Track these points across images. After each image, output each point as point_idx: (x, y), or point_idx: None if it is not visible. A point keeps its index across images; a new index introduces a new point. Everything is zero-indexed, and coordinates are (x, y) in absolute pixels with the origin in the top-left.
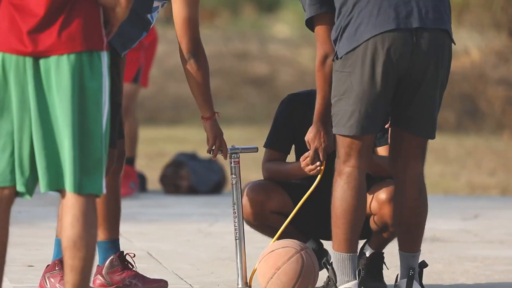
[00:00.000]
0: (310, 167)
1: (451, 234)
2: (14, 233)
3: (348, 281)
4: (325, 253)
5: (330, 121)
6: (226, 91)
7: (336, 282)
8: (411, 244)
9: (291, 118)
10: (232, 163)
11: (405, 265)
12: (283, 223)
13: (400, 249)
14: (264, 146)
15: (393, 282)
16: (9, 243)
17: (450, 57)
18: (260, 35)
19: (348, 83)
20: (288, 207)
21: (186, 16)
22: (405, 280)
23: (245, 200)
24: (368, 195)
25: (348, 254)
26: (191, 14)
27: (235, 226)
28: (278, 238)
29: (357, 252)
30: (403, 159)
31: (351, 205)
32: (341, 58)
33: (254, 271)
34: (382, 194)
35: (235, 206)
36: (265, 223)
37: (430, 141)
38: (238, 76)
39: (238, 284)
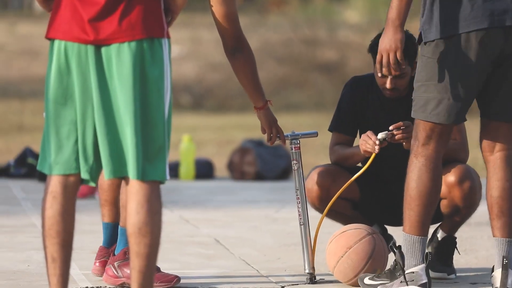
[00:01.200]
0: (366, 145)
1: None
2: (84, 220)
3: (415, 265)
4: (390, 238)
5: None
6: (295, 78)
7: (403, 266)
8: (504, 228)
9: (355, 101)
10: (293, 149)
11: (499, 252)
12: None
13: (494, 235)
14: (329, 130)
15: (463, 267)
16: (78, 231)
17: None
18: (329, 21)
19: (438, 70)
20: (353, 192)
21: (225, 13)
22: (500, 270)
23: (311, 184)
24: None
25: (419, 237)
26: (229, 10)
27: (299, 211)
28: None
29: (427, 235)
30: (492, 143)
31: (428, 187)
32: (429, 42)
33: (314, 252)
34: (451, 177)
35: (298, 192)
36: (331, 208)
37: None
38: (307, 62)
39: (305, 269)
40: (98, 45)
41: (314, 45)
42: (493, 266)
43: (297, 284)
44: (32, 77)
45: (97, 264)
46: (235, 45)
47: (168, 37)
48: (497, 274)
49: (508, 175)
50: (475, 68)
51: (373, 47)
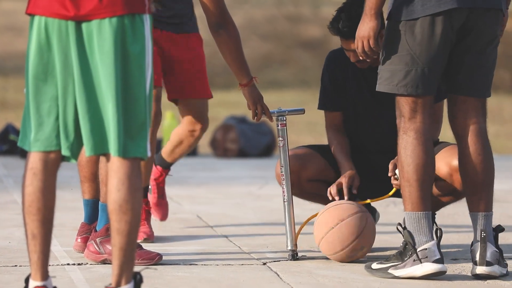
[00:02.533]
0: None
1: (503, 194)
2: (66, 197)
3: (426, 241)
4: (374, 211)
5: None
6: (279, 55)
7: (414, 244)
8: (480, 203)
9: (335, 75)
10: (279, 125)
11: (477, 226)
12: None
13: (470, 210)
14: (318, 108)
15: (445, 243)
16: (60, 208)
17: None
18: None
19: (404, 42)
20: (325, 173)
21: None
22: (478, 243)
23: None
24: (436, 159)
25: (424, 212)
26: None
27: (283, 188)
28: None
29: (430, 210)
30: (463, 118)
31: (424, 160)
32: (395, 20)
33: (299, 233)
34: (456, 161)
35: (283, 169)
36: (303, 190)
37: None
38: (291, 39)
39: (287, 246)
40: (78, 21)
41: (298, 22)
42: (472, 241)
43: (279, 261)
44: (16, 53)
45: (79, 240)
46: (219, 22)
47: (150, 13)
48: (476, 247)
49: (480, 148)
50: (441, 39)
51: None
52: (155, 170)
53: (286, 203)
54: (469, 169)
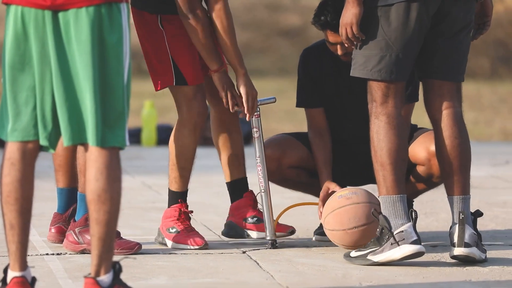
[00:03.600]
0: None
1: (480, 180)
2: (45, 187)
3: (402, 224)
4: None
5: None
6: (258, 43)
7: (390, 228)
8: (457, 186)
9: (310, 72)
10: (253, 116)
11: (454, 209)
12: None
13: (448, 194)
14: (297, 106)
15: (424, 230)
16: (40, 197)
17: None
18: None
19: (379, 27)
20: (305, 160)
21: None
22: (457, 225)
23: None
24: (414, 144)
25: (398, 195)
26: None
27: (259, 179)
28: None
29: (405, 193)
30: (439, 102)
31: (396, 144)
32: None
33: (277, 221)
34: (433, 146)
35: (259, 160)
36: (284, 177)
37: (463, 88)
38: (270, 28)
39: (266, 235)
40: (55, 10)
41: (277, 10)
42: (451, 225)
43: (259, 249)
44: None
45: (52, 230)
46: (189, 6)
47: (127, 2)
48: (454, 229)
49: (456, 132)
50: (416, 24)
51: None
52: None
53: (263, 193)
54: (446, 152)
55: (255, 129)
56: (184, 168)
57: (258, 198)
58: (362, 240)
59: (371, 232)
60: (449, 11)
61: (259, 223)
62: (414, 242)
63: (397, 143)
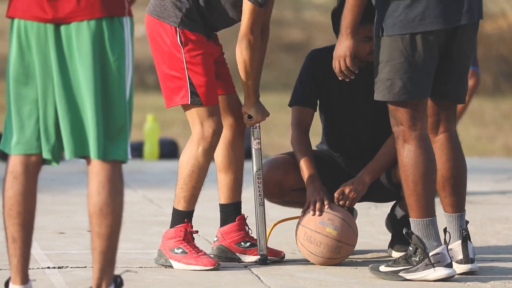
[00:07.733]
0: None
1: (483, 196)
2: (47, 200)
3: (437, 246)
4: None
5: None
6: None
7: (425, 248)
8: (456, 205)
9: (315, 73)
10: (256, 127)
11: (455, 226)
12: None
13: (447, 212)
14: (290, 104)
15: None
16: (41, 211)
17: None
18: (295, 1)
19: (401, 51)
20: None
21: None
22: (460, 242)
23: (263, 179)
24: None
25: (431, 218)
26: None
27: (259, 192)
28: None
29: (435, 215)
30: (435, 124)
31: (428, 167)
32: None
33: (269, 235)
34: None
35: (260, 172)
36: (286, 200)
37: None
38: (273, 42)
39: (258, 251)
40: (57, 24)
41: (280, 25)
42: (445, 241)
43: (257, 266)
44: None
45: None
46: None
47: (130, 16)
48: (457, 247)
49: (456, 154)
50: (435, 47)
51: (333, 14)
52: None
53: (262, 206)
54: (448, 175)
55: (256, 140)
56: (196, 188)
57: (252, 212)
58: (324, 264)
59: (330, 263)
60: (462, 35)
61: (253, 248)
62: (448, 266)
63: (429, 166)
